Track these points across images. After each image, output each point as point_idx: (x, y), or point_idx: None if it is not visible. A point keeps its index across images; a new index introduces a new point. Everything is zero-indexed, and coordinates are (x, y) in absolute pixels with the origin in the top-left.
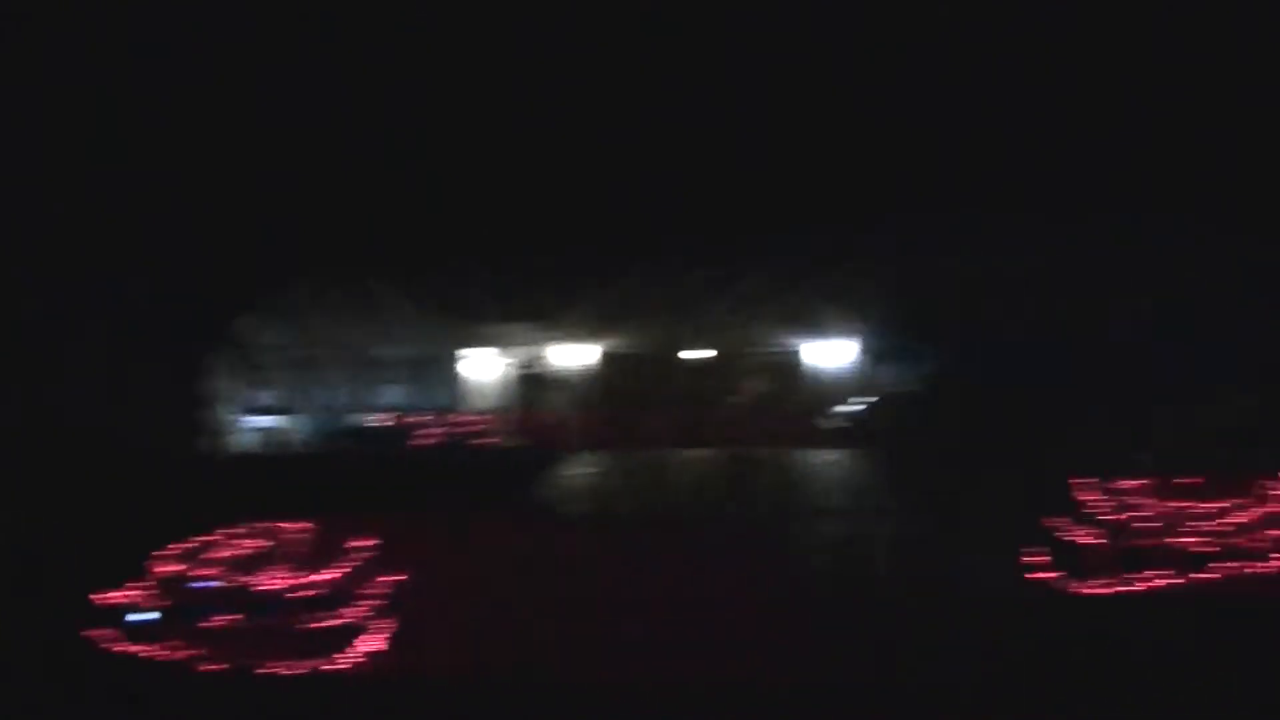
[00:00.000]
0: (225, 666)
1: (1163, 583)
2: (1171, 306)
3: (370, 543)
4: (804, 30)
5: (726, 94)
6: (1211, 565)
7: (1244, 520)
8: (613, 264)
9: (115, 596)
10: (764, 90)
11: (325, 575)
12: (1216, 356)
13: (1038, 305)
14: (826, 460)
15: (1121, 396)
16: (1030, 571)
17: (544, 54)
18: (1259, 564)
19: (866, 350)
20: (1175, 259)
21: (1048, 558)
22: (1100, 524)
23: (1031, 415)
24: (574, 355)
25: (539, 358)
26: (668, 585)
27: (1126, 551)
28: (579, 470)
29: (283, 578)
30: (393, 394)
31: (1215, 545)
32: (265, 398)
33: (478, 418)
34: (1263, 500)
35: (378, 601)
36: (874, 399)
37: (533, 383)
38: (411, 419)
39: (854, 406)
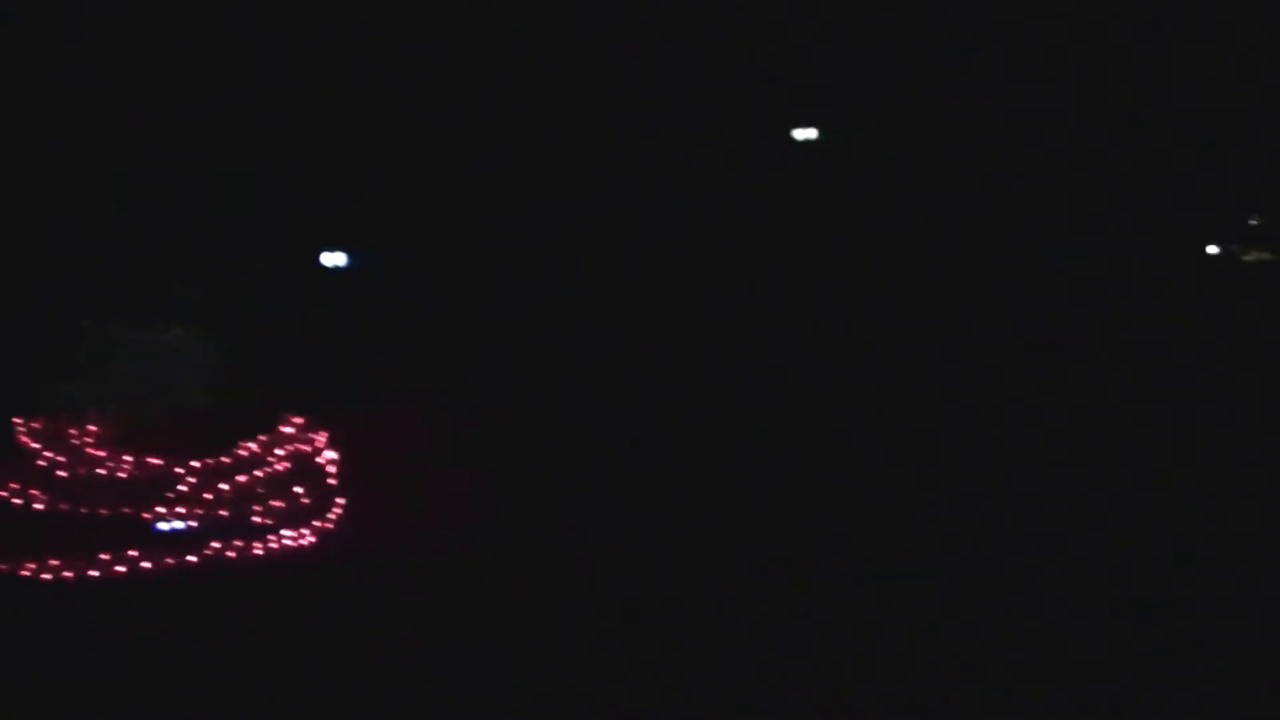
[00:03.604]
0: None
1: (123, 569)
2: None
3: None
4: None
5: None
6: (189, 540)
7: (242, 483)
8: None
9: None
10: None
11: None
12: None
13: None
14: None
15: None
16: None
17: None
18: (257, 542)
19: None
20: None
21: None
22: (54, 483)
23: None
24: None
25: None
26: None
27: (87, 520)
28: None
29: None
30: None
31: (195, 515)
32: None
33: None
34: (266, 455)
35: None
36: None
37: None
38: None
39: None
